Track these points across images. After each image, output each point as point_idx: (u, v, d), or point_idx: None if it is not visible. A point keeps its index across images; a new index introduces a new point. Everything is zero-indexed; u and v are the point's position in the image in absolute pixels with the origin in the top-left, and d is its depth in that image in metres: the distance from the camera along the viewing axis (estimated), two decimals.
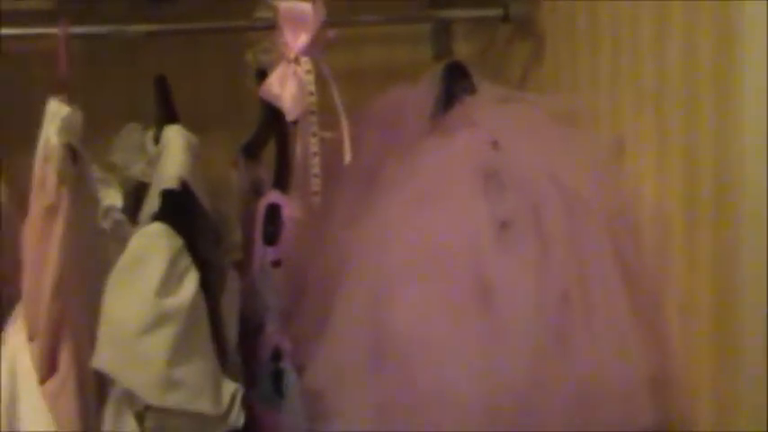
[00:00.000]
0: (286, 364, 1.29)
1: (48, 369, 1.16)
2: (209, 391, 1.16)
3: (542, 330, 1.19)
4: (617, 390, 1.19)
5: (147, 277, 1.12)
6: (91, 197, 1.24)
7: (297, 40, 1.29)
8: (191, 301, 1.14)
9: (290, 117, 1.27)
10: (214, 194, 1.43)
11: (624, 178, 1.31)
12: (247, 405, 1.25)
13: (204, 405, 1.15)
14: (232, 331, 1.28)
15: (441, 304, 1.22)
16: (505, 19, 1.50)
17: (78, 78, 1.53)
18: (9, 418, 1.13)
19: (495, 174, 1.28)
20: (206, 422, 1.17)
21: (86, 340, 1.17)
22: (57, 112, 1.23)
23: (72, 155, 1.23)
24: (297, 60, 1.29)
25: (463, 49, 1.69)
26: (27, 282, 1.15)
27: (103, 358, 1.14)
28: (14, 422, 1.14)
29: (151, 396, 1.13)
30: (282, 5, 1.28)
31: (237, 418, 1.19)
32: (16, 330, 1.17)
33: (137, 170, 1.30)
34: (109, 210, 1.22)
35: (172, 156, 1.25)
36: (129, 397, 1.17)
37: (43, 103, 1.25)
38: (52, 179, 1.15)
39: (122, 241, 1.20)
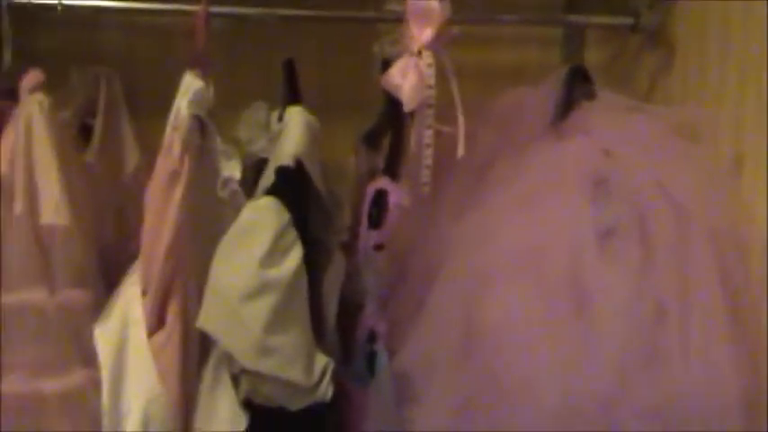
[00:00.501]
0: (379, 347, 1.32)
1: (156, 323, 1.23)
2: (302, 361, 1.21)
3: (634, 342, 1.19)
4: (705, 410, 1.17)
5: (253, 248, 1.18)
6: (212, 167, 1.31)
7: (422, 33, 1.32)
8: (292, 275, 1.19)
9: (407, 107, 1.30)
10: (331, 178, 1.48)
11: (738, 197, 1.29)
12: (339, 381, 1.31)
13: (295, 374, 1.20)
14: (331, 309, 1.33)
15: (534, 305, 1.24)
16: (635, 28, 1.49)
17: (217, 54, 1.63)
18: (116, 361, 1.21)
19: (603, 181, 1.28)
20: (296, 391, 1.22)
21: (194, 301, 1.24)
22: (190, 85, 1.30)
23: (199, 126, 1.30)
24: (420, 53, 1.32)
25: (593, 56, 1.69)
26: (145, 239, 1.23)
27: (207, 320, 1.21)
28: (121, 365, 1.22)
29: (246, 359, 1.19)
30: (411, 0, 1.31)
31: (326, 391, 1.23)
32: (132, 282, 1.25)
33: (258, 146, 1.36)
34: (227, 180, 1.28)
35: (291, 135, 1.31)
36: (228, 359, 1.24)
37: (180, 75, 1.33)
38: (177, 147, 1.23)
39: (237, 211, 1.26)
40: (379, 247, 1.30)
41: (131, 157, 1.47)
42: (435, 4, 1.31)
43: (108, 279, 1.33)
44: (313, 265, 1.30)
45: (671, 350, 1.18)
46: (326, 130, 1.63)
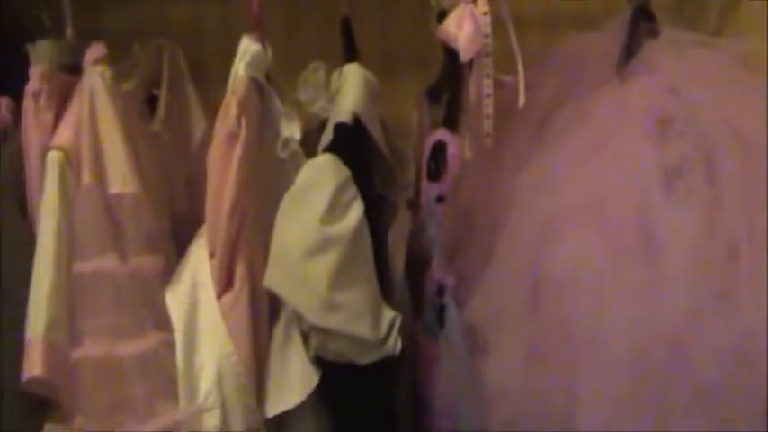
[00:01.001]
0: (448, 300, 1.32)
1: (224, 284, 1.26)
2: (369, 316, 1.22)
3: (704, 284, 1.16)
4: None
5: (313, 205, 1.19)
6: (273, 129, 1.32)
7: None
8: (354, 230, 1.20)
9: (464, 57, 1.29)
10: (395, 134, 1.48)
11: None
12: (411, 334, 1.31)
13: (362, 329, 1.21)
14: (398, 264, 1.33)
15: (602, 251, 1.22)
16: None
17: (278, 18, 1.64)
18: (188, 323, 1.24)
19: (669, 121, 1.25)
20: (364, 346, 1.23)
21: (262, 261, 1.26)
22: (247, 49, 1.32)
23: (258, 89, 1.31)
24: (474, 2, 1.31)
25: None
26: (209, 203, 1.26)
27: (273, 278, 1.22)
28: (193, 327, 1.25)
29: (313, 316, 1.20)
30: None
31: (395, 344, 1.24)
32: (199, 246, 1.28)
33: (318, 106, 1.37)
34: (287, 141, 1.29)
35: (348, 92, 1.31)
36: (297, 317, 1.25)
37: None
38: (234, 109, 1.24)
39: (298, 171, 1.27)
40: (440, 200, 1.30)
41: (198, 127, 1.49)
42: None
43: (180, 246, 1.35)
44: (378, 221, 1.31)
45: (742, 290, 1.15)
46: (390, 87, 1.63)
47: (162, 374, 1.23)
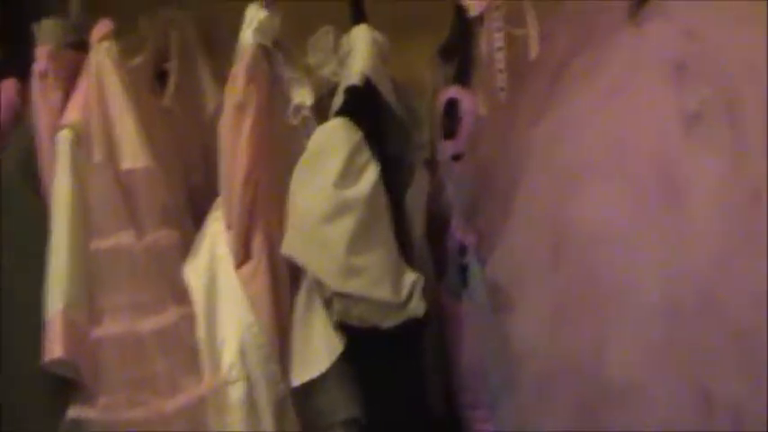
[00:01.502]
0: (470, 258, 1.30)
1: (243, 255, 1.25)
2: (389, 279, 1.21)
3: (729, 228, 1.14)
4: None
5: (327, 169, 1.18)
6: (283, 95, 1.30)
7: None
8: (369, 193, 1.19)
9: (472, 12, 1.27)
10: (410, 94, 1.46)
11: None
12: (434, 297, 1.30)
13: (383, 292, 1.20)
14: (417, 225, 1.31)
15: (625, 200, 1.19)
16: None
17: None
18: (208, 296, 1.24)
19: (686, 64, 1.22)
20: (387, 309, 1.22)
21: (279, 230, 1.24)
22: (254, 16, 1.30)
23: (266, 55, 1.30)
24: None
25: None
26: (222, 173, 1.24)
27: (291, 245, 1.21)
28: (213, 300, 1.24)
29: (333, 281, 1.19)
30: None
31: (418, 306, 1.23)
32: (216, 218, 1.27)
33: (328, 70, 1.35)
34: (298, 107, 1.28)
35: (357, 54, 1.29)
36: (318, 284, 1.24)
37: None
38: (241, 78, 1.23)
39: (310, 137, 1.25)
40: (456, 158, 1.28)
41: (211, 99, 1.48)
42: None
43: (199, 218, 1.35)
44: (395, 182, 1.29)
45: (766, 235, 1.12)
46: (402, 47, 1.60)
47: (184, 349, 1.23)
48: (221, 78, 1.49)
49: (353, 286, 1.18)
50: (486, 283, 1.29)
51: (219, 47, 1.52)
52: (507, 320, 1.25)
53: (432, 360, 1.33)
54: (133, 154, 1.25)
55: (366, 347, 1.25)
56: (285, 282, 1.26)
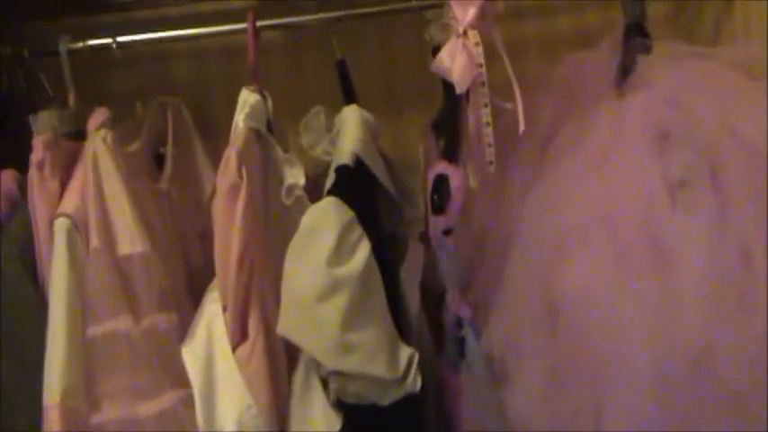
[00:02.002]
0: (467, 331, 1.31)
1: (239, 336, 1.26)
2: (385, 355, 1.21)
3: (719, 291, 1.15)
4: None
5: (319, 249, 1.19)
6: (277, 176, 1.33)
7: (465, 14, 1.31)
8: (362, 270, 1.20)
9: (459, 89, 1.29)
10: (403, 170, 1.48)
11: None
12: (434, 371, 1.30)
13: (379, 369, 1.20)
14: (413, 299, 1.33)
15: (613, 267, 1.20)
16: None
17: (279, 65, 1.65)
18: (206, 378, 1.24)
19: (669, 132, 1.24)
20: (384, 386, 1.22)
21: (275, 309, 1.26)
22: (246, 100, 1.33)
23: (258, 138, 1.32)
24: (465, 34, 1.31)
25: (658, 8, 1.64)
26: (217, 255, 1.26)
27: (286, 325, 1.22)
28: (211, 382, 1.25)
29: (328, 360, 1.20)
30: None
31: (414, 382, 1.23)
32: (212, 300, 1.28)
33: (320, 150, 1.37)
34: (291, 187, 1.30)
35: (347, 133, 1.32)
36: (315, 362, 1.25)
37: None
38: (233, 161, 1.25)
39: None
40: (447, 232, 1.29)
41: (208, 181, 1.50)
42: None
43: (200, 300, 1.36)
44: (389, 258, 1.31)
45: (759, 294, 1.13)
46: (395, 123, 1.64)
47: None
48: (218, 161, 1.52)
49: (349, 364, 1.19)
50: (482, 355, 1.30)
51: (215, 130, 1.55)
52: (505, 392, 1.25)
53: None
54: (130, 239, 1.27)
55: (365, 424, 1.25)
56: (282, 361, 1.27)
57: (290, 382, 1.27)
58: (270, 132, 1.35)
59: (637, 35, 1.38)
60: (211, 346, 1.25)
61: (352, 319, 1.18)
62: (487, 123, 1.30)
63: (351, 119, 1.33)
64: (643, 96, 1.30)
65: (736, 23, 1.44)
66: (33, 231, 1.31)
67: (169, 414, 1.23)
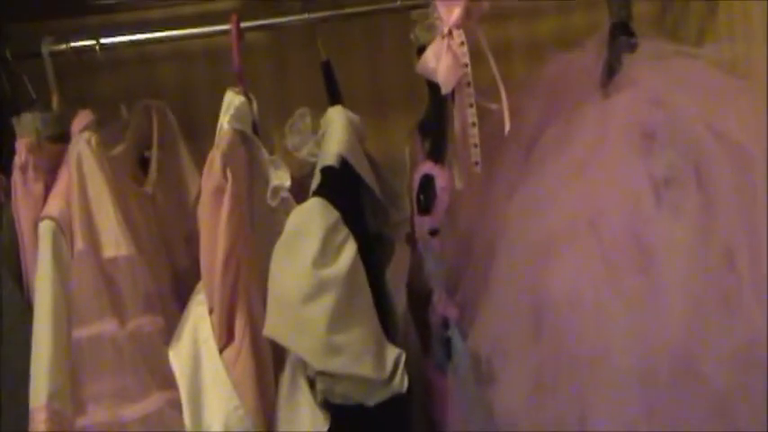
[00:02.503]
0: (453, 332, 1.31)
1: (226, 337, 1.25)
2: (371, 356, 1.21)
3: (703, 291, 1.15)
4: None
5: (304, 250, 1.19)
6: (262, 178, 1.32)
7: (450, 14, 1.31)
8: (347, 271, 1.20)
9: (444, 90, 1.29)
10: (389, 170, 1.48)
11: None
12: (420, 371, 1.30)
13: (366, 369, 1.20)
14: (400, 300, 1.33)
15: (599, 268, 1.21)
16: None
17: (263, 68, 1.65)
18: (192, 380, 1.24)
19: (654, 132, 1.24)
20: (370, 386, 1.22)
21: (261, 310, 1.25)
22: (231, 102, 1.33)
23: (244, 140, 1.32)
24: (450, 34, 1.31)
25: (643, 9, 1.64)
26: (203, 257, 1.26)
27: (272, 326, 1.22)
28: (197, 384, 1.24)
29: (314, 361, 1.20)
30: None
31: (401, 382, 1.23)
32: (198, 302, 1.28)
33: (305, 152, 1.37)
34: (276, 189, 1.30)
35: (333, 135, 1.32)
36: (302, 363, 1.25)
37: None
38: (218, 163, 1.25)
39: None
40: (434, 233, 1.29)
41: (193, 184, 1.50)
42: None
43: (184, 303, 1.35)
44: (376, 260, 1.30)
45: (743, 294, 1.13)
46: (381, 124, 1.64)
47: None
48: (203, 163, 1.52)
49: (335, 364, 1.19)
50: (468, 356, 1.30)
51: (200, 132, 1.55)
52: (491, 392, 1.25)
53: None
54: (115, 242, 1.26)
55: (352, 424, 1.25)
56: (269, 362, 1.27)
57: (276, 383, 1.26)
58: (255, 134, 1.35)
59: (622, 34, 1.38)
60: (198, 348, 1.25)
61: (338, 319, 1.18)
62: (473, 124, 1.30)
63: (336, 120, 1.33)
64: (628, 96, 1.30)
65: (721, 23, 1.44)
66: (18, 235, 1.30)
67: (155, 417, 1.23)
